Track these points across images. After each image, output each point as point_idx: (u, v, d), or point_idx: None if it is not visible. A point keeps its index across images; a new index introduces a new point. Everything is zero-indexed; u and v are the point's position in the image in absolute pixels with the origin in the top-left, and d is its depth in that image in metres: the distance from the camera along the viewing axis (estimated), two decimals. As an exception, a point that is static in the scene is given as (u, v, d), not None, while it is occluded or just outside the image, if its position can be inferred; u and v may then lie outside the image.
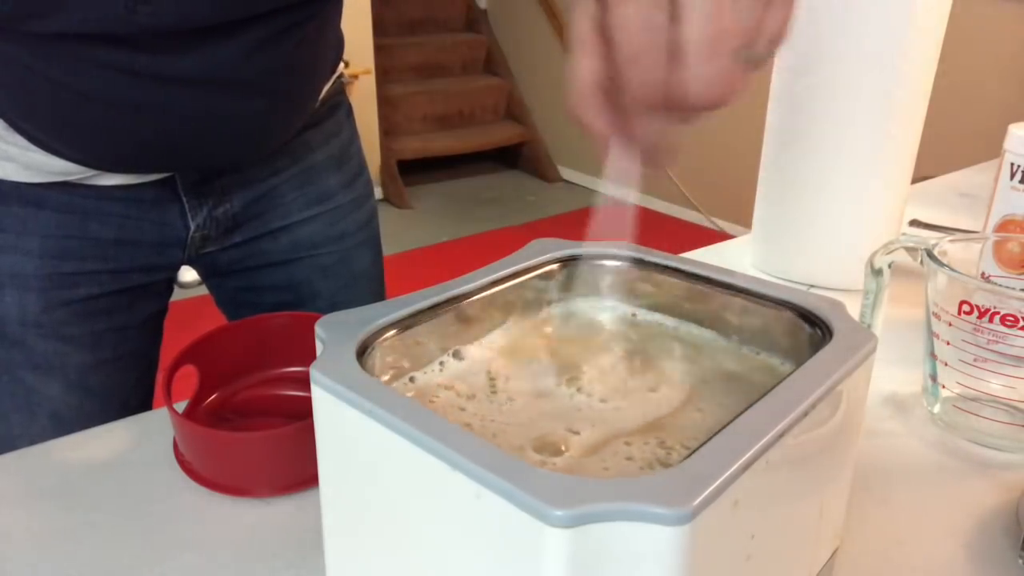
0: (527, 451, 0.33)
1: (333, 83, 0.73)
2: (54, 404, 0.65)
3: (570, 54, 0.32)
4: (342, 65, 0.74)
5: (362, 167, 0.79)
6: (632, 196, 0.34)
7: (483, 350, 0.40)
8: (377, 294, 0.82)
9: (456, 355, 0.39)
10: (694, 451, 0.27)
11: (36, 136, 0.57)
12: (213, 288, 0.79)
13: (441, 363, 0.38)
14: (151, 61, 0.53)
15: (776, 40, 0.31)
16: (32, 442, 0.52)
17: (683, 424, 0.35)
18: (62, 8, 0.48)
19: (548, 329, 0.43)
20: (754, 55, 0.30)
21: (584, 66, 0.31)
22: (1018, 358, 0.49)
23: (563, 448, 0.33)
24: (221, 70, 0.56)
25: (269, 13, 0.56)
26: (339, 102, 0.76)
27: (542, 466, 0.32)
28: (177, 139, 0.58)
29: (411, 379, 0.37)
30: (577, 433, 0.34)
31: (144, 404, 0.73)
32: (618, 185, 0.34)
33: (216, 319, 0.78)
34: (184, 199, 0.66)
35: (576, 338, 0.42)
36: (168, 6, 0.50)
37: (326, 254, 0.76)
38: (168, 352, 0.54)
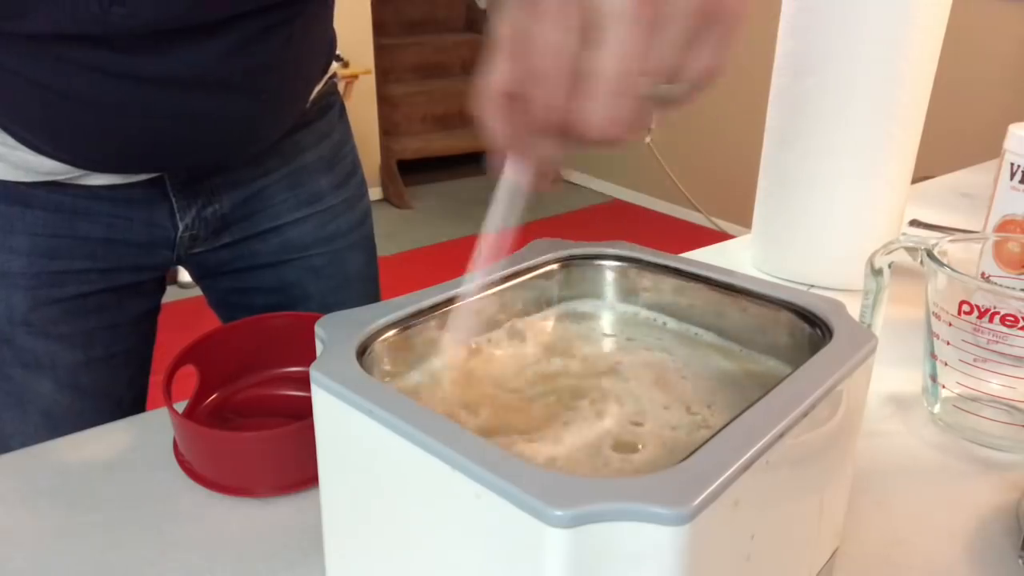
0: (527, 451, 0.33)
1: (325, 84, 0.73)
2: (45, 402, 0.65)
3: (488, 52, 0.31)
4: (335, 65, 0.74)
5: (355, 168, 0.79)
6: (519, 204, 0.33)
7: (483, 350, 0.40)
8: (371, 295, 0.82)
9: (456, 355, 0.39)
10: (694, 451, 0.27)
11: (23, 136, 0.57)
12: (205, 289, 0.79)
13: (441, 364, 0.38)
14: (131, 62, 0.53)
15: (700, 83, 0.29)
16: (25, 441, 0.52)
17: (683, 424, 0.35)
18: (36, 8, 0.48)
19: (548, 329, 0.43)
20: (670, 94, 0.29)
21: (496, 69, 0.30)
22: (1018, 358, 0.49)
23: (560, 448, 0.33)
24: (202, 70, 0.55)
25: (249, 13, 0.55)
26: (331, 103, 0.76)
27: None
28: (161, 139, 0.58)
29: (411, 379, 0.37)
30: (576, 433, 0.34)
31: (138, 403, 0.73)
32: (507, 192, 0.33)
33: (216, 319, 0.78)
34: (173, 199, 0.66)
35: (576, 338, 0.42)
36: (143, 7, 0.50)
37: (317, 255, 0.75)
38: (168, 352, 0.54)
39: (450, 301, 0.38)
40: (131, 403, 0.71)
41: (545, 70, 0.28)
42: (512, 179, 0.32)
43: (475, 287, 0.37)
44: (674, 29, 0.28)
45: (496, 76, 0.30)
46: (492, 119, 0.31)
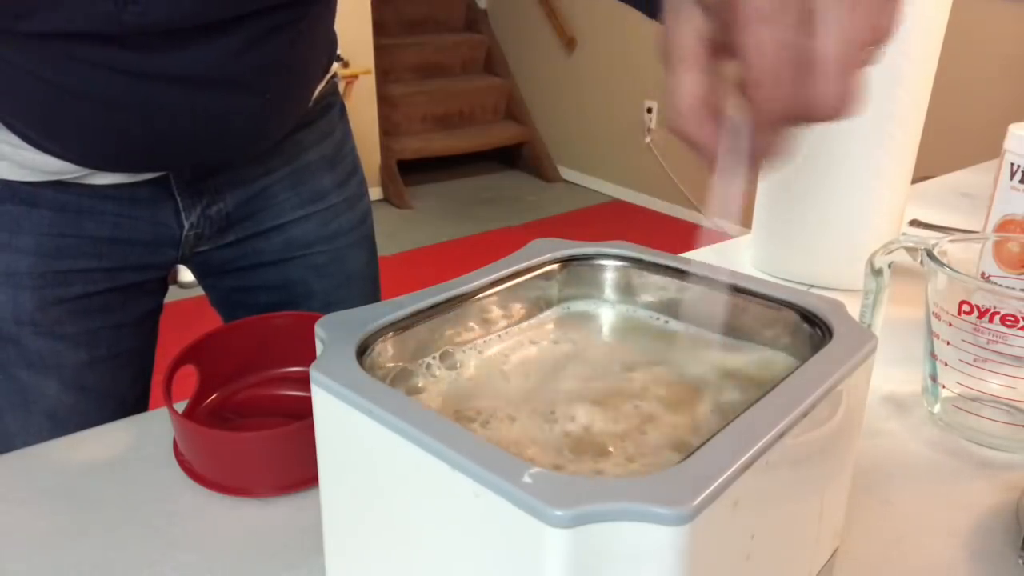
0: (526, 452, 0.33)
1: (326, 83, 0.73)
2: (50, 402, 0.65)
3: (669, 67, 0.32)
4: (336, 65, 0.74)
5: (356, 167, 0.79)
6: (736, 214, 0.34)
7: (483, 350, 0.40)
8: (372, 294, 0.83)
9: (456, 355, 0.39)
10: (694, 451, 0.27)
11: (29, 135, 0.57)
12: (207, 288, 0.79)
13: (441, 363, 0.38)
14: (141, 60, 0.53)
15: (890, 36, 0.31)
16: (28, 441, 0.52)
17: (683, 424, 0.35)
18: (51, 7, 0.48)
19: (548, 329, 0.43)
20: (870, 56, 0.31)
21: (689, 80, 0.31)
22: (1018, 358, 0.49)
23: (561, 448, 0.33)
24: (212, 69, 0.56)
25: (259, 12, 0.56)
26: (332, 102, 0.76)
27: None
28: (169, 137, 0.58)
29: (411, 379, 0.37)
30: (575, 433, 0.34)
31: (140, 403, 0.73)
32: (726, 184, 0.34)
33: (216, 319, 0.78)
34: (178, 198, 0.66)
35: (575, 338, 0.42)
36: (157, 5, 0.50)
37: (319, 253, 0.76)
38: (168, 352, 0.54)
39: (450, 301, 0.39)
40: (134, 403, 0.72)
41: (773, 67, 0.29)
42: (730, 176, 0.33)
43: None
44: (872, 3, 0.30)
45: (689, 86, 0.31)
46: (698, 129, 0.32)
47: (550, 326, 0.43)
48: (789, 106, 0.30)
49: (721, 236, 0.88)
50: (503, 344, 0.41)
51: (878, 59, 0.31)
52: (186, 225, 0.67)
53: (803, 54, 0.28)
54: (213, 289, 0.79)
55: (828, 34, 0.28)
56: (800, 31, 0.28)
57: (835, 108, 0.29)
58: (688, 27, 0.31)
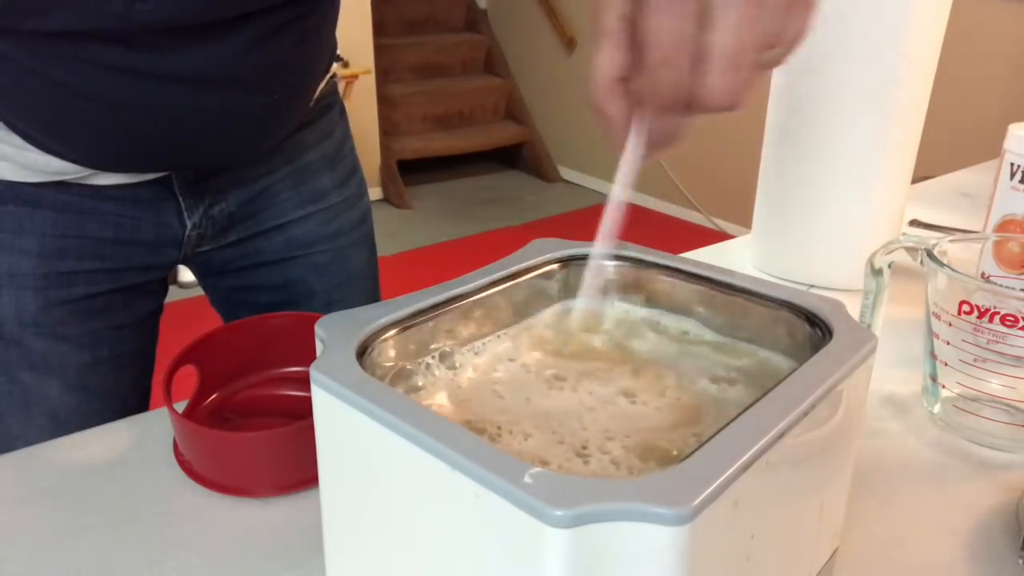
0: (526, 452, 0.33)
1: (326, 83, 0.73)
2: (52, 404, 0.65)
3: (593, 42, 0.33)
4: (336, 65, 0.74)
5: (355, 166, 0.79)
6: (630, 183, 0.37)
7: (483, 350, 0.40)
8: (372, 293, 0.83)
9: (456, 355, 0.39)
10: (694, 451, 0.27)
11: (32, 135, 0.57)
12: (208, 288, 0.79)
13: (441, 363, 0.38)
14: (148, 59, 0.53)
15: (795, 42, 0.32)
16: (30, 442, 0.52)
17: (683, 424, 0.35)
18: (60, 5, 0.48)
19: (548, 329, 0.43)
20: (771, 58, 0.32)
21: (607, 56, 0.33)
22: (1018, 358, 0.49)
23: (559, 448, 0.33)
24: (218, 68, 0.56)
25: (265, 10, 0.56)
26: (332, 102, 0.76)
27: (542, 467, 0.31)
28: (174, 138, 0.58)
29: (411, 379, 0.37)
30: (574, 433, 0.34)
31: (142, 403, 0.73)
32: (626, 171, 0.36)
33: (216, 319, 0.78)
34: (180, 198, 0.66)
35: (576, 338, 0.42)
36: (165, 4, 0.50)
37: (320, 253, 0.76)
38: (168, 352, 0.54)
39: (450, 301, 0.39)
40: (135, 403, 0.72)
41: (668, 54, 0.31)
42: (631, 154, 0.36)
43: (604, 253, 0.39)
44: (776, 3, 0.31)
45: (607, 62, 0.33)
46: (609, 103, 0.34)
47: (549, 326, 0.43)
48: (679, 93, 0.31)
49: (721, 236, 0.89)
50: (503, 344, 0.41)
51: (779, 61, 0.33)
52: (188, 225, 0.67)
53: (697, 45, 0.30)
54: (214, 289, 0.79)
55: (721, 29, 0.30)
56: (697, 23, 0.30)
57: (721, 100, 0.31)
58: (612, 6, 0.32)
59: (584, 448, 0.33)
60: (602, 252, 0.39)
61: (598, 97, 0.34)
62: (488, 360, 0.39)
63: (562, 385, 0.38)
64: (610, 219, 0.38)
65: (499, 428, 0.34)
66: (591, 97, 0.34)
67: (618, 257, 0.44)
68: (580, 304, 0.42)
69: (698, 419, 0.35)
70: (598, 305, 0.42)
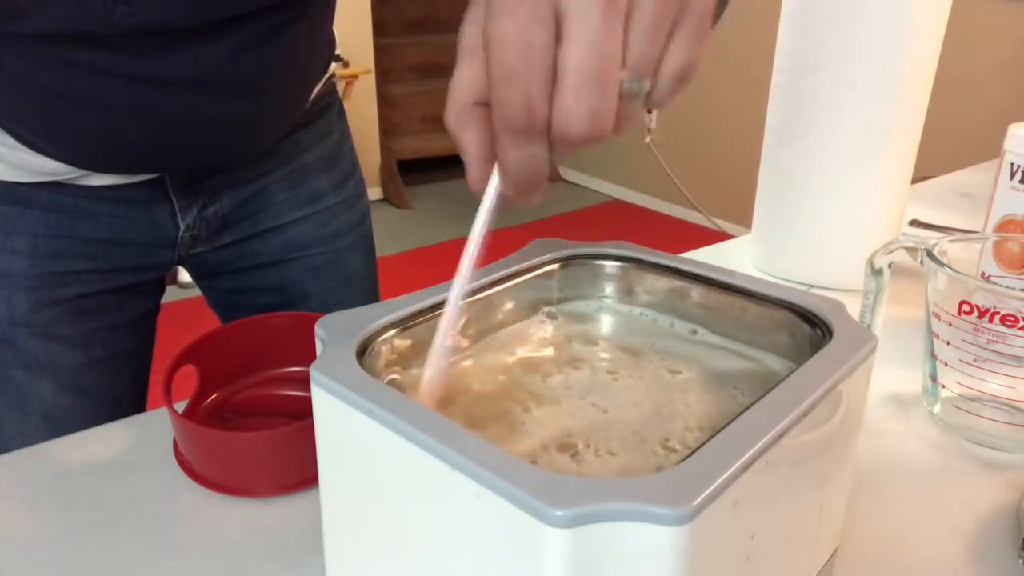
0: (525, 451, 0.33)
1: (324, 83, 0.73)
2: (46, 404, 0.65)
3: (456, 62, 0.29)
4: (335, 65, 0.74)
5: (354, 167, 0.79)
6: (491, 219, 0.31)
7: (483, 351, 0.40)
8: (370, 295, 0.82)
9: (456, 355, 0.39)
10: (694, 451, 0.27)
11: (23, 136, 0.57)
12: (205, 289, 0.79)
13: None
14: (135, 63, 0.53)
15: (678, 79, 0.28)
16: (25, 443, 0.52)
17: (683, 424, 0.35)
18: (40, 7, 0.48)
19: (548, 329, 0.43)
20: (649, 91, 0.28)
21: (464, 77, 0.28)
22: (1018, 358, 0.49)
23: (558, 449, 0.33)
24: (206, 72, 0.55)
25: (254, 13, 0.55)
26: (330, 102, 0.76)
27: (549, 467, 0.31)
28: (164, 141, 0.58)
29: (411, 379, 0.37)
30: (574, 433, 0.34)
31: (138, 404, 0.73)
32: (483, 211, 0.31)
33: (216, 319, 0.78)
34: (174, 199, 0.66)
35: (575, 338, 0.42)
36: (147, 6, 0.49)
37: (317, 255, 0.75)
38: (168, 352, 0.53)
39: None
40: (131, 404, 0.71)
41: (511, 67, 0.26)
42: (494, 190, 0.30)
43: (458, 298, 0.33)
44: (643, 18, 0.26)
45: (463, 82, 0.28)
46: (462, 130, 0.29)
47: (550, 326, 0.43)
48: (529, 117, 0.26)
49: (721, 236, 0.89)
50: (503, 344, 0.41)
51: (661, 98, 0.28)
52: (182, 227, 0.67)
53: (550, 59, 0.26)
54: (210, 290, 0.78)
55: (576, 41, 0.25)
56: (550, 32, 0.25)
57: (578, 128, 0.26)
58: (474, 20, 0.28)
59: (586, 446, 0.33)
60: (456, 296, 0.32)
61: (451, 123, 0.29)
62: (488, 360, 0.39)
63: (562, 385, 0.38)
64: (465, 263, 0.32)
65: (499, 428, 0.34)
66: (446, 120, 0.29)
67: (618, 257, 0.44)
68: (426, 372, 0.33)
69: (694, 418, 0.35)
70: (444, 370, 0.34)
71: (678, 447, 0.33)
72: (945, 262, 0.51)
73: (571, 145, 0.27)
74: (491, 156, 0.29)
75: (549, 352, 0.41)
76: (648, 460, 0.32)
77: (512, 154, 0.28)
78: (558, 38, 0.25)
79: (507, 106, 0.26)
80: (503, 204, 0.30)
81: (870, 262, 0.54)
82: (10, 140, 0.57)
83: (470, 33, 0.28)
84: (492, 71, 0.26)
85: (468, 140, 0.29)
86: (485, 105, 0.28)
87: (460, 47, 0.28)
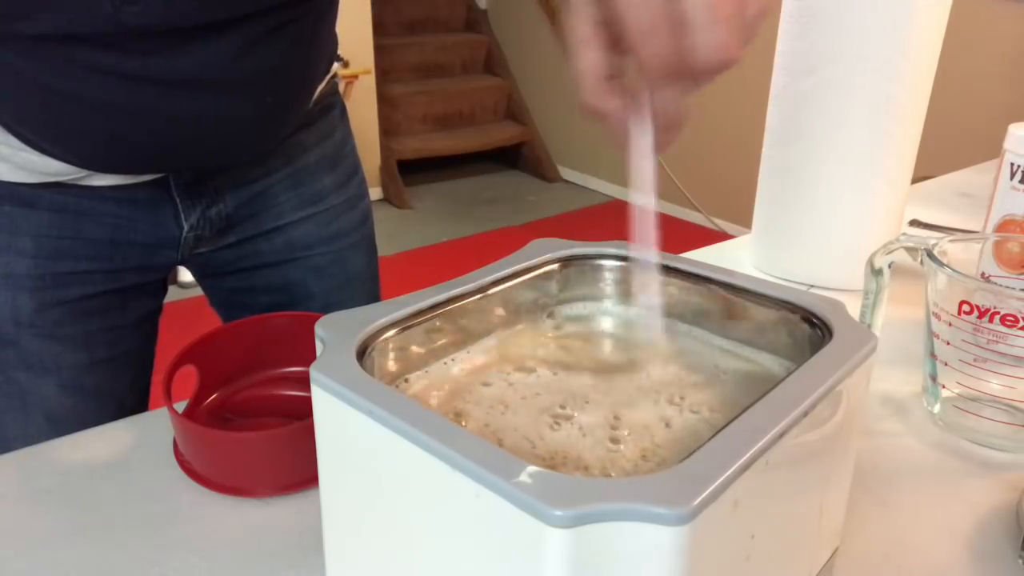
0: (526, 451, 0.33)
1: (327, 83, 0.73)
2: (49, 404, 0.65)
3: (572, 53, 0.34)
4: (336, 65, 0.74)
5: (356, 167, 0.79)
6: (653, 178, 0.36)
7: (483, 351, 0.40)
8: (372, 295, 0.82)
9: (456, 355, 0.39)
10: (694, 451, 0.27)
11: (27, 137, 0.57)
12: (207, 289, 0.79)
13: (441, 363, 0.38)
14: (141, 63, 0.53)
15: (762, 7, 0.33)
16: (27, 443, 0.52)
17: (683, 424, 0.35)
18: (48, 9, 0.48)
19: (548, 329, 0.43)
20: (746, 22, 0.32)
21: (591, 59, 0.33)
22: (1018, 358, 0.49)
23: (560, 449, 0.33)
24: (212, 71, 0.56)
25: (259, 13, 0.55)
26: (333, 102, 0.76)
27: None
28: (169, 141, 0.58)
29: (411, 379, 0.37)
30: (574, 434, 0.34)
31: (140, 404, 0.73)
32: (640, 166, 0.35)
33: (216, 319, 0.78)
34: (177, 199, 0.66)
35: (576, 338, 0.42)
36: (155, 6, 0.50)
37: (320, 255, 0.76)
38: (168, 352, 0.54)
39: (450, 301, 0.39)
40: (133, 404, 0.72)
41: (648, 26, 0.31)
42: (641, 147, 0.35)
43: (654, 259, 0.38)
44: None
45: (591, 64, 0.33)
46: (603, 102, 0.34)
47: (549, 326, 0.43)
48: (670, 61, 0.32)
49: (721, 236, 0.89)
50: (503, 344, 0.41)
51: (754, 27, 0.33)
52: (185, 227, 0.67)
53: (675, 11, 0.31)
54: (213, 290, 0.78)
55: None
56: None
57: (712, 57, 0.31)
58: (582, 13, 0.33)
59: (553, 413, 0.33)
60: (652, 260, 0.37)
61: (593, 100, 0.34)
62: (488, 360, 0.39)
63: (557, 384, 0.37)
64: (646, 224, 0.37)
65: (498, 428, 0.34)
66: (584, 104, 0.34)
67: (618, 257, 0.44)
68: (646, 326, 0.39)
69: (694, 418, 0.35)
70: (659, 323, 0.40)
71: (677, 448, 0.33)
72: (945, 262, 0.51)
73: (704, 76, 0.32)
74: (631, 114, 0.34)
75: (547, 352, 0.41)
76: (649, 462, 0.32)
77: (668, 96, 0.34)
78: None
79: (652, 59, 0.32)
80: (654, 153, 0.35)
81: (870, 262, 0.54)
82: (14, 141, 0.57)
83: (582, 27, 0.33)
84: (634, 31, 0.31)
85: (613, 107, 0.34)
86: (612, 78, 0.33)
87: (576, 40, 0.33)
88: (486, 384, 0.37)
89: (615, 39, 0.33)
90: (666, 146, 0.35)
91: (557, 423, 0.34)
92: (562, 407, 0.36)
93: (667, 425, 0.34)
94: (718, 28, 0.31)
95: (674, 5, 0.31)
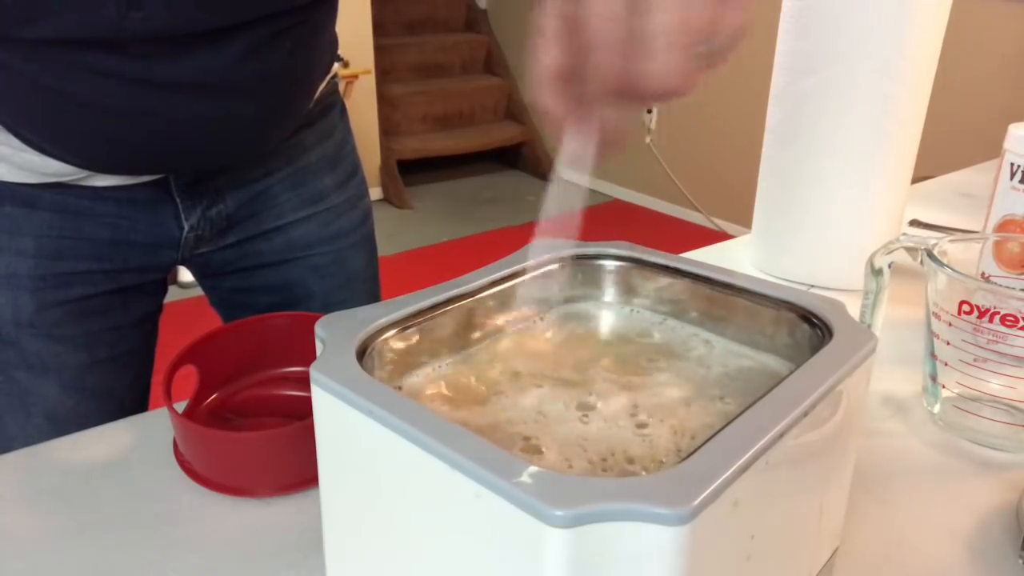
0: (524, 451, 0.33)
1: (327, 83, 0.73)
2: (50, 404, 0.65)
3: (534, 47, 0.33)
4: (336, 65, 0.74)
5: (356, 167, 0.79)
6: (584, 181, 0.36)
7: (483, 350, 0.40)
8: (372, 295, 0.82)
9: (456, 355, 0.39)
10: (694, 451, 0.27)
11: (28, 138, 0.57)
12: (208, 289, 0.79)
13: (441, 363, 0.38)
14: (144, 67, 0.53)
15: (734, 37, 0.32)
16: (28, 443, 0.52)
17: (684, 424, 0.35)
18: (53, 13, 0.48)
19: (548, 329, 0.43)
20: (712, 50, 0.32)
21: (546, 53, 0.33)
22: (1018, 358, 0.49)
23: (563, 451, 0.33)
24: (214, 75, 0.56)
25: (262, 18, 0.55)
26: (333, 102, 0.76)
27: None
28: (171, 143, 0.58)
29: (411, 379, 0.37)
30: (574, 433, 0.34)
31: (140, 404, 0.73)
32: (572, 169, 0.35)
33: (216, 319, 0.78)
34: (178, 200, 0.66)
35: (576, 338, 0.42)
36: (159, 12, 0.50)
37: (320, 254, 0.76)
38: (168, 352, 0.54)
39: (450, 301, 0.39)
40: (133, 404, 0.72)
41: (605, 38, 0.31)
42: (576, 152, 0.35)
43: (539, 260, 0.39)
44: None
45: (546, 60, 0.33)
46: (550, 101, 0.34)
47: (550, 326, 0.43)
48: (619, 77, 0.31)
49: (721, 236, 0.89)
50: (503, 344, 0.41)
51: (720, 55, 0.32)
52: (186, 227, 0.67)
53: (635, 29, 0.30)
54: (213, 290, 0.78)
55: (659, 10, 0.30)
56: (633, 8, 0.30)
57: (662, 84, 0.31)
58: (550, 8, 0.33)
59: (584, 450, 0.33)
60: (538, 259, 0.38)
61: (540, 95, 0.34)
62: (488, 360, 0.39)
63: (557, 385, 0.37)
64: (546, 231, 0.37)
65: (498, 428, 0.34)
66: (533, 97, 0.34)
67: (618, 257, 0.44)
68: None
69: (695, 418, 0.35)
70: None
71: (677, 448, 0.33)
72: (945, 262, 0.51)
73: (657, 100, 0.32)
74: (575, 119, 0.34)
75: (547, 352, 0.41)
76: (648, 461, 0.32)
77: (608, 112, 0.33)
78: (638, 11, 0.30)
79: (601, 71, 0.31)
80: (590, 157, 0.35)
81: (870, 262, 0.54)
82: (14, 141, 0.57)
83: (546, 17, 0.33)
84: (587, 43, 0.31)
85: (558, 109, 0.34)
86: (565, 79, 0.33)
87: (538, 31, 0.33)
88: (486, 384, 0.37)
89: (580, 44, 0.32)
90: (601, 160, 0.35)
91: (585, 417, 0.35)
92: (566, 405, 0.36)
93: (687, 405, 0.35)
94: (672, 56, 0.30)
95: (637, 21, 0.30)
